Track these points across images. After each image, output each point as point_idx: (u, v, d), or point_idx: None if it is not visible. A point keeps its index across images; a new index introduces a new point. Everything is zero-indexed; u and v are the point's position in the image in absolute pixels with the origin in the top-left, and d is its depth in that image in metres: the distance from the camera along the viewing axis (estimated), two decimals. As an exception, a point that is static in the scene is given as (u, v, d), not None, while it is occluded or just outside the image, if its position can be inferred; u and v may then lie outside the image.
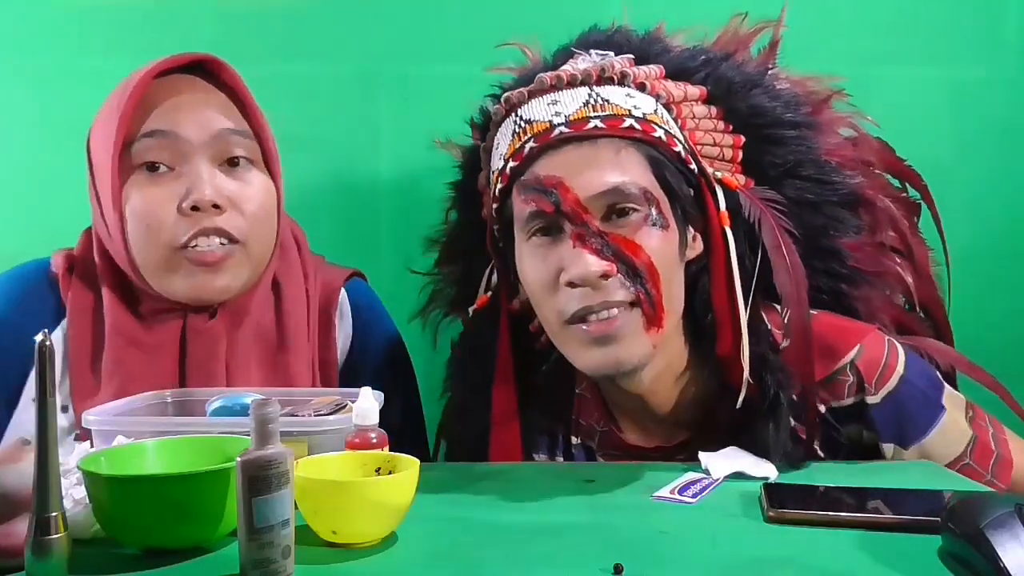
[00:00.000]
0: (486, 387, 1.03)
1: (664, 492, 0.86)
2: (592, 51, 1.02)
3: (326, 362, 1.11)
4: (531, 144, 0.95)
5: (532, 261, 0.96)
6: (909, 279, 1.12)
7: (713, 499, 0.85)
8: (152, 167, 0.99)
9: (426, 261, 1.24)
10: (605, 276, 0.91)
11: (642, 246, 0.92)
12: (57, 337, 1.02)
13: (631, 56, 1.02)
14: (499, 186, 0.99)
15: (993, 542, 0.62)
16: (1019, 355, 1.32)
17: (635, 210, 0.93)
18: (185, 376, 1.02)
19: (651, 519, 0.79)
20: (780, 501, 0.80)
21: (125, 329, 1.01)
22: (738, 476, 0.91)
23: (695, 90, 1.03)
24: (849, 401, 0.98)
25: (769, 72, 1.09)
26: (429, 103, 1.39)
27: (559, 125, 0.94)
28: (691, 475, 0.91)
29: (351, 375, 1.12)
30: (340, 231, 1.40)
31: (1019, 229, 1.44)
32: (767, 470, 0.91)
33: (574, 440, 1.06)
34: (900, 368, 0.98)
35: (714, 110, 1.04)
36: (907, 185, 1.18)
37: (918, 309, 1.15)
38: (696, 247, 1.01)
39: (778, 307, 1.01)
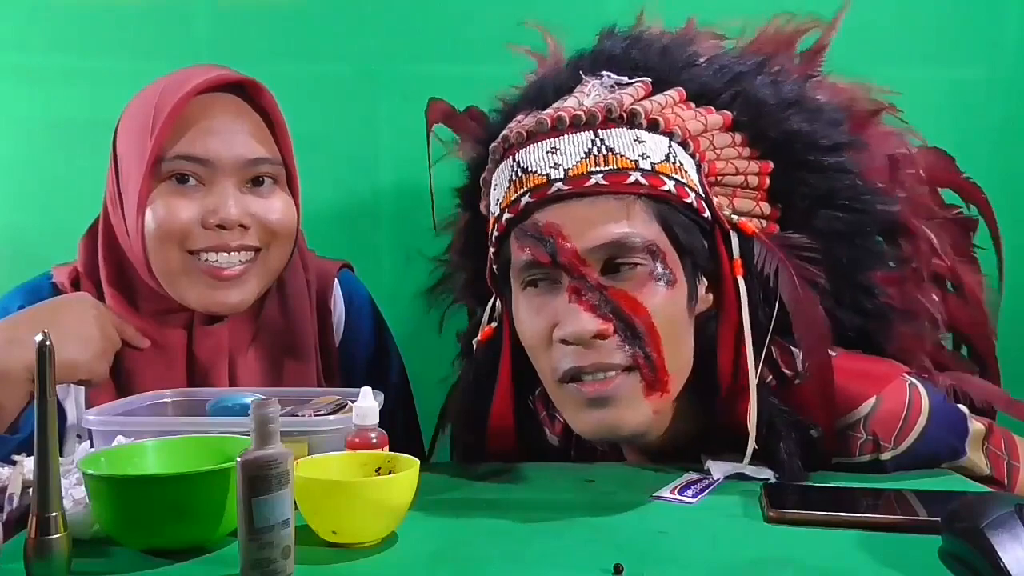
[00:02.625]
0: (484, 418, 0.98)
1: (664, 492, 0.86)
2: (605, 74, 0.95)
3: (326, 347, 1.14)
4: (527, 199, 0.89)
5: (527, 312, 0.90)
6: (944, 313, 1.04)
7: (713, 499, 0.85)
8: (182, 179, 1.00)
9: (421, 265, 1.24)
10: (600, 336, 0.85)
11: (643, 304, 0.86)
12: None
13: (647, 80, 0.94)
14: (496, 233, 0.94)
15: (993, 542, 0.62)
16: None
17: (639, 264, 0.86)
18: (195, 375, 1.04)
19: (651, 519, 0.79)
20: (780, 501, 0.80)
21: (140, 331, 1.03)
22: (738, 476, 0.90)
23: (717, 118, 0.94)
24: (862, 459, 0.90)
25: (810, 81, 1.01)
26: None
27: (557, 181, 0.87)
28: (691, 475, 0.91)
29: (345, 360, 1.16)
30: (340, 229, 1.40)
31: (1020, 229, 1.44)
32: (767, 471, 0.91)
33: (572, 454, 1.05)
34: (922, 421, 0.90)
35: (738, 137, 0.95)
36: (968, 203, 1.10)
37: (950, 344, 1.08)
38: (707, 299, 0.93)
39: (793, 349, 0.93)
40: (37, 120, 1.39)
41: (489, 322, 1.03)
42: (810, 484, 0.87)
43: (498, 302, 1.01)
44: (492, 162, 0.96)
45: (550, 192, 0.87)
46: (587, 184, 0.86)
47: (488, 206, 0.99)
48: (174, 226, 0.99)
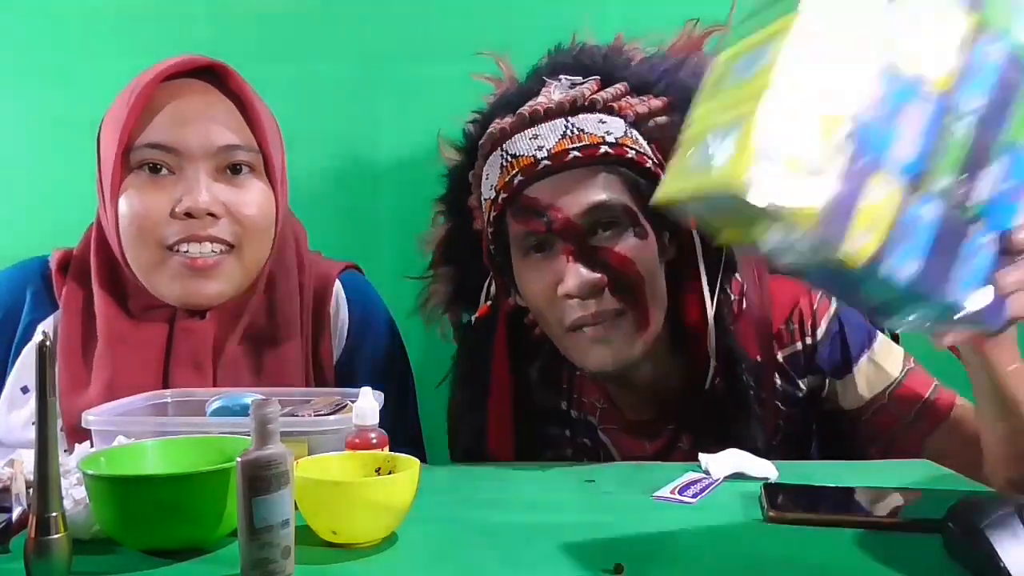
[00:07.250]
0: (486, 386, 1.11)
1: (664, 492, 0.86)
2: (563, 77, 1.09)
3: (320, 356, 1.11)
4: (519, 177, 1.03)
5: (531, 276, 1.05)
6: None
7: (713, 499, 0.85)
8: (154, 168, 1.00)
9: (422, 265, 1.25)
10: (598, 286, 0.99)
11: (626, 255, 1.01)
12: (48, 327, 1.03)
13: (597, 77, 1.09)
14: (493, 214, 1.07)
15: (993, 542, 0.62)
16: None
17: (617, 223, 1.02)
18: (169, 375, 1.02)
19: (651, 519, 0.79)
20: (780, 501, 0.80)
21: (115, 325, 1.02)
22: (738, 476, 0.91)
23: (658, 103, 1.10)
24: (799, 345, 1.10)
25: None
26: (429, 103, 1.39)
27: (542, 159, 1.02)
28: (691, 475, 0.92)
29: (348, 368, 1.12)
30: (339, 231, 1.40)
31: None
32: (767, 470, 0.91)
33: (575, 414, 1.15)
34: (832, 307, 1.10)
35: (676, 118, 1.09)
36: None
37: None
38: (672, 249, 1.09)
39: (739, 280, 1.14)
40: (37, 120, 1.39)
41: (486, 300, 1.17)
42: (810, 484, 0.87)
43: (492, 285, 1.15)
44: (481, 158, 1.10)
45: (538, 169, 1.02)
46: (567, 159, 1.02)
47: (480, 196, 1.12)
48: (145, 218, 0.98)
